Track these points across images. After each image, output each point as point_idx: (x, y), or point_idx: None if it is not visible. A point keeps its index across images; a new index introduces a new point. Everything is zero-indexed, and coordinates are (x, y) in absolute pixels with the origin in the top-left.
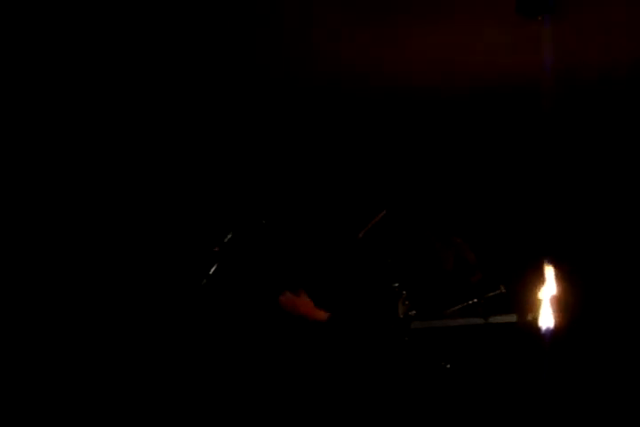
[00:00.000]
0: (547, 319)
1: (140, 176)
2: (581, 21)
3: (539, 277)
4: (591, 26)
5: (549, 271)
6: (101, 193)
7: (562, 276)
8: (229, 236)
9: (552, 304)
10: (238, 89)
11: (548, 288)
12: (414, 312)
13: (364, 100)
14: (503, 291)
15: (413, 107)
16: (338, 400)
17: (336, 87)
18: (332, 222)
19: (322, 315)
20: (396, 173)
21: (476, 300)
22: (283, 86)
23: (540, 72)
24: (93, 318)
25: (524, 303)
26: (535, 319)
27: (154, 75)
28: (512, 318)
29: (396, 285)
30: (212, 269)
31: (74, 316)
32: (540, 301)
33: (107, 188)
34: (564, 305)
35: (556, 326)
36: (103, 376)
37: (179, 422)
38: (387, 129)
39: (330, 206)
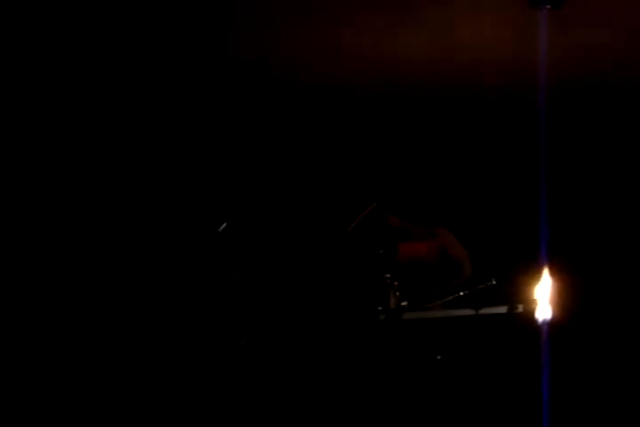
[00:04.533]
0: (539, 311)
1: (137, 169)
2: (588, 14)
3: (530, 270)
4: (597, 19)
5: (541, 264)
6: (97, 186)
7: (554, 268)
8: (224, 226)
9: (544, 296)
10: (232, 85)
11: (541, 280)
12: (406, 303)
13: (358, 95)
14: (494, 283)
15: (405, 101)
16: (329, 391)
17: (331, 79)
18: (323, 215)
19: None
20: (389, 166)
21: (467, 291)
22: (278, 82)
23: (541, 66)
24: (92, 314)
25: (515, 295)
26: (526, 311)
27: (150, 73)
28: (503, 309)
29: (388, 276)
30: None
31: (73, 312)
32: (531, 292)
33: (102, 181)
34: (556, 297)
35: (547, 318)
36: (103, 373)
37: (179, 421)
38: (378, 123)
39: (321, 199)
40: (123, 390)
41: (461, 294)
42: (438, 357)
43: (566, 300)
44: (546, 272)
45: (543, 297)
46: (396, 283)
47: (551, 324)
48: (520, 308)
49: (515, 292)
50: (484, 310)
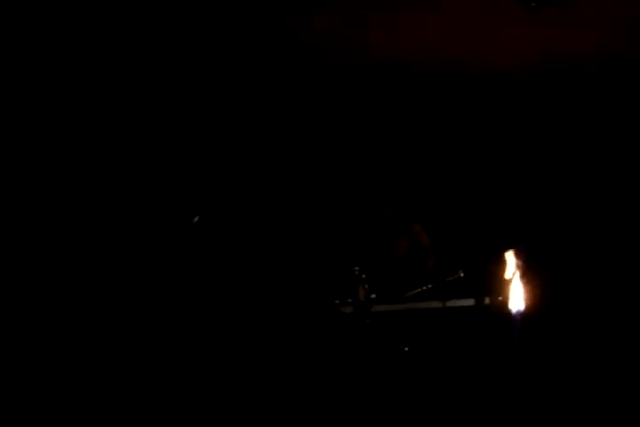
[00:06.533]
0: (508, 304)
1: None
2: (577, 13)
3: (499, 262)
4: (587, 18)
5: (510, 256)
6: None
7: (522, 259)
8: (196, 218)
9: (513, 288)
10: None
11: (509, 272)
12: (374, 296)
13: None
14: (461, 275)
15: (389, 90)
16: (299, 386)
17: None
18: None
19: None
20: (359, 158)
21: (435, 284)
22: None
23: (528, 61)
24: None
25: (484, 288)
26: (493, 303)
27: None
28: (469, 302)
29: (357, 268)
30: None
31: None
32: (500, 285)
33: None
34: (526, 290)
35: (518, 311)
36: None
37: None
38: (357, 115)
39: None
40: (123, 389)
41: (429, 286)
42: (406, 348)
43: (536, 293)
44: (515, 264)
45: (513, 290)
46: (364, 275)
47: (521, 317)
48: (487, 300)
49: (483, 284)
50: (450, 303)
